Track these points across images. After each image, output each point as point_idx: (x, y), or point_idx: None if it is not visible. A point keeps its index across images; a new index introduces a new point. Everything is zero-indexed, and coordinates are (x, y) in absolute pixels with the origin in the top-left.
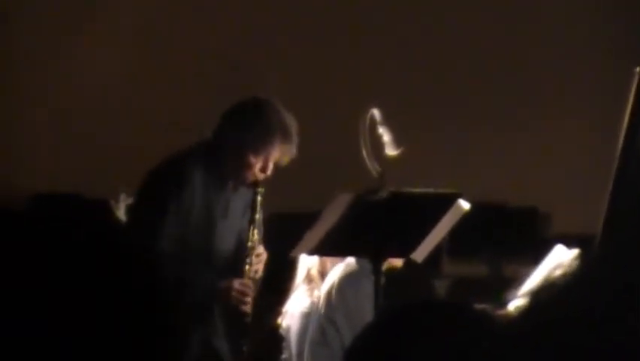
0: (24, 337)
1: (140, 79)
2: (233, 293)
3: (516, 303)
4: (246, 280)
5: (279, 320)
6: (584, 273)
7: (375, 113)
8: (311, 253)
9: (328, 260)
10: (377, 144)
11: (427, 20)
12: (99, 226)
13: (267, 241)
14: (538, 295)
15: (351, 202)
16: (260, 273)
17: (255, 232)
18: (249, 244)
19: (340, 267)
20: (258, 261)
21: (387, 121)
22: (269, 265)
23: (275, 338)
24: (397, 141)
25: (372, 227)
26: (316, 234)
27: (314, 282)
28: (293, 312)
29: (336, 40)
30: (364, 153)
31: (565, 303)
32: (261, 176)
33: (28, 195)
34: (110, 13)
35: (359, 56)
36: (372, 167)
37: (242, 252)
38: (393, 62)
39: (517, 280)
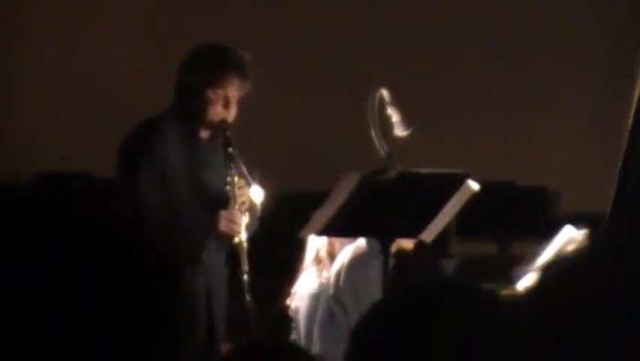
0: (33, 310)
1: (150, 58)
2: (222, 221)
3: (524, 282)
4: (233, 210)
5: (288, 301)
6: (592, 251)
7: (384, 93)
8: (319, 233)
9: (337, 241)
10: (386, 125)
11: (436, 3)
12: (102, 207)
13: (275, 222)
14: (546, 273)
15: (359, 183)
16: (247, 205)
17: (232, 164)
18: (228, 178)
19: (350, 248)
20: (241, 194)
21: (396, 101)
22: (278, 246)
23: (284, 319)
24: (406, 122)
25: (380, 207)
26: (324, 214)
27: (323, 263)
28: (302, 293)
29: (346, 20)
30: (373, 133)
31: (573, 281)
32: (225, 114)
33: (32, 174)
34: None
35: (369, 36)
36: (381, 147)
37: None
38: (403, 43)
39: (525, 260)
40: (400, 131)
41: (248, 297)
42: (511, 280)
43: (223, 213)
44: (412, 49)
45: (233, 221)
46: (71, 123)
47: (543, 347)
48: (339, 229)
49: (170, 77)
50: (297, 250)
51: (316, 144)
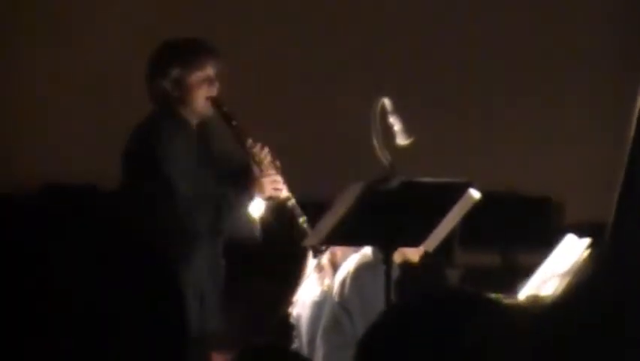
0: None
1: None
2: (267, 187)
3: (525, 291)
4: (268, 174)
5: (290, 309)
6: (597, 273)
7: (386, 102)
8: (322, 242)
9: (339, 249)
10: (388, 134)
11: (439, 10)
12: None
13: (277, 230)
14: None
15: (361, 192)
16: (276, 162)
17: (240, 132)
18: (247, 144)
19: (356, 256)
20: (265, 155)
21: (398, 110)
22: (280, 254)
23: (286, 326)
24: (408, 130)
25: (383, 216)
26: (327, 223)
27: (325, 271)
28: (304, 301)
29: (348, 30)
30: (375, 142)
31: (580, 302)
32: (212, 91)
33: (38, 186)
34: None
35: (370, 45)
36: (383, 156)
37: (240, 160)
38: (405, 51)
39: (529, 270)
40: (402, 140)
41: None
42: (516, 291)
43: (264, 180)
44: (414, 57)
45: (275, 182)
46: (77, 132)
47: (571, 354)
48: (341, 237)
49: None
50: (299, 258)
51: (319, 154)
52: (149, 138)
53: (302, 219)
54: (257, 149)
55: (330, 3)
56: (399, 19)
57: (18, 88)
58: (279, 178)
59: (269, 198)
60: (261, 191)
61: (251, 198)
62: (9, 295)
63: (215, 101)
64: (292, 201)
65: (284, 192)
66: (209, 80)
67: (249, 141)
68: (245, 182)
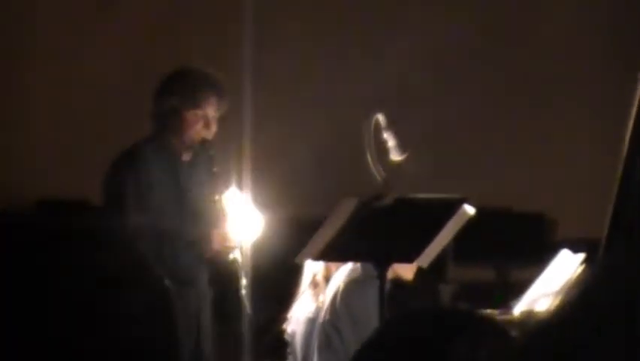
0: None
1: (151, 81)
2: (215, 241)
3: (520, 308)
4: (223, 230)
5: (285, 326)
6: (592, 287)
7: (380, 118)
8: (316, 258)
9: (333, 265)
10: (382, 150)
11: (431, 25)
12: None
13: (272, 246)
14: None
15: (355, 207)
16: (232, 216)
17: (218, 182)
18: (216, 197)
19: (344, 271)
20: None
21: (392, 126)
22: (274, 270)
23: (280, 343)
24: (402, 146)
25: (377, 232)
26: (321, 239)
27: (319, 287)
28: (298, 317)
29: (342, 45)
30: (369, 158)
31: (575, 317)
32: (206, 133)
33: (32, 202)
34: (119, 12)
35: (364, 60)
36: (377, 172)
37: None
38: (398, 67)
39: (522, 285)
40: (396, 156)
41: (248, 310)
42: (509, 306)
43: (215, 233)
44: (407, 73)
45: (226, 239)
46: (72, 148)
47: None
48: (335, 254)
49: None
50: (293, 275)
51: (313, 170)
52: (126, 164)
53: (242, 284)
54: (223, 202)
55: (326, 18)
56: (393, 34)
57: (13, 104)
58: (230, 236)
59: (217, 252)
60: (210, 243)
61: (206, 245)
62: (4, 309)
63: (202, 143)
64: (238, 263)
65: (235, 253)
66: (205, 120)
67: (221, 190)
68: (207, 228)
